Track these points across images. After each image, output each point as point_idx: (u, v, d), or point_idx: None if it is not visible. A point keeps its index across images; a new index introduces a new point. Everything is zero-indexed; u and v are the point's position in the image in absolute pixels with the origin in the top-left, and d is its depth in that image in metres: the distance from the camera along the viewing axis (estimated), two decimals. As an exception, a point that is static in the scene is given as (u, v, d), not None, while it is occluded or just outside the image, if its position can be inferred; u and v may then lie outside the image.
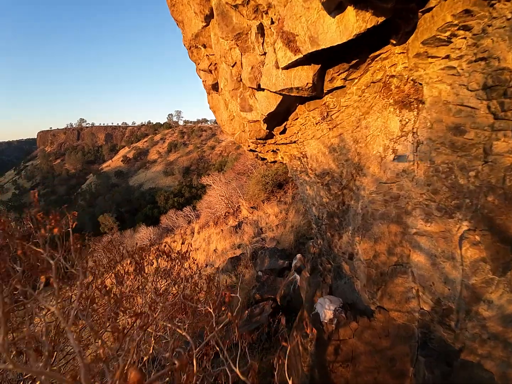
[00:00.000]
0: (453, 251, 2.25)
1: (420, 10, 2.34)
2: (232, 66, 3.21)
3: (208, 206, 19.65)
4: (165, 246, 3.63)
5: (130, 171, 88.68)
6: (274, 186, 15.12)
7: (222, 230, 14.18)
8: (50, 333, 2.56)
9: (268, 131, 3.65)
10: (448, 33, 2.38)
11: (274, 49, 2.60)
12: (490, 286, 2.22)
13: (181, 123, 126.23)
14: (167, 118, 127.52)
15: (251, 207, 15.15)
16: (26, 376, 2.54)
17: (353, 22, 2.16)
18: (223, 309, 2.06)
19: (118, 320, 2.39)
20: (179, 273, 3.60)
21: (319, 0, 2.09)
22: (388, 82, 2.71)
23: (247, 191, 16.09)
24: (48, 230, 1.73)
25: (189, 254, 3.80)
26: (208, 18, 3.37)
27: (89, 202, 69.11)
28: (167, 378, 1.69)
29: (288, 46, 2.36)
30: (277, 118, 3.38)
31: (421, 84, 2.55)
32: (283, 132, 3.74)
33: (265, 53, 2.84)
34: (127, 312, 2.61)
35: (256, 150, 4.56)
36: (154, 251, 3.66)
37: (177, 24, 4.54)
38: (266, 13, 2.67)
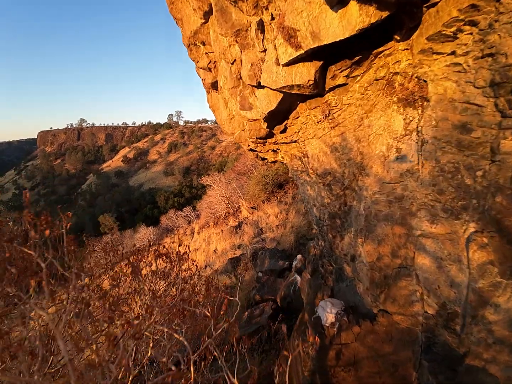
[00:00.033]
0: (460, 254, 2.18)
1: (425, 5, 2.28)
2: (232, 64, 3.14)
3: (208, 206, 19.58)
4: (164, 247, 3.57)
5: (130, 171, 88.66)
6: (274, 186, 15.05)
7: (222, 230, 14.11)
8: (46, 336, 2.49)
9: (268, 130, 3.58)
10: (453, 29, 2.32)
11: (275, 46, 2.53)
12: (497, 290, 2.15)
13: (181, 123, 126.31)
14: (167, 118, 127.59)
15: (251, 208, 15.08)
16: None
17: (356, 17, 2.09)
18: (221, 313, 1.99)
19: (113, 325, 2.32)
20: (177, 274, 3.53)
21: (321, -6, 2.03)
22: (391, 79, 2.64)
23: (247, 191, 16.02)
24: (39, 231, 1.67)
25: (188, 255, 3.73)
26: (207, 14, 3.30)
27: (89, 202, 69.09)
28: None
29: (289, 42, 2.29)
30: (277, 117, 3.31)
31: (425, 81, 2.48)
32: (284, 131, 3.67)
33: (265, 50, 2.77)
34: (123, 315, 2.55)
35: (256, 149, 4.49)
36: (152, 252, 3.60)
37: (176, 22, 4.48)
38: (266, 8, 2.60)
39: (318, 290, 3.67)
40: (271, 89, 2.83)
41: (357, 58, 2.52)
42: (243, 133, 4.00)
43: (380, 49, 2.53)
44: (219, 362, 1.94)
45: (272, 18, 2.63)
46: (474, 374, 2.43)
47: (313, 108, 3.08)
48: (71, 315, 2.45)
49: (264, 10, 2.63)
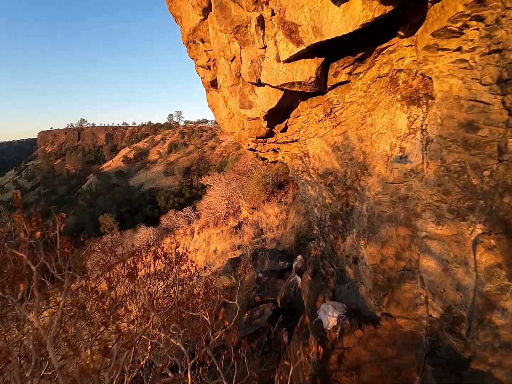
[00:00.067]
0: (466, 256, 2.11)
1: (430, 0, 2.21)
2: (231, 61, 3.07)
3: (208, 206, 19.52)
4: (162, 248, 3.51)
5: (130, 171, 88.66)
6: (275, 187, 14.99)
7: (222, 230, 14.05)
8: (39, 341, 2.43)
9: (268, 129, 3.51)
10: (459, 24, 2.25)
11: (275, 42, 2.46)
12: (505, 293, 2.09)
13: (181, 123, 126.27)
14: (167, 118, 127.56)
15: (251, 208, 15.03)
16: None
17: (360, 11, 2.02)
18: (220, 317, 1.92)
19: (108, 330, 2.26)
20: (176, 275, 3.47)
21: (323, -13, 1.96)
22: (395, 76, 2.57)
23: (247, 191, 15.97)
24: (30, 233, 1.60)
25: (186, 257, 3.66)
26: (206, 11, 3.23)
27: (90, 202, 69.11)
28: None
29: (290, 37, 2.22)
30: (278, 115, 3.24)
31: (430, 78, 2.42)
32: (284, 130, 3.60)
33: (265, 47, 2.70)
34: (119, 318, 2.48)
35: (256, 149, 4.43)
36: (151, 253, 3.54)
37: (175, 20, 4.42)
38: (267, 4, 2.53)
39: (319, 292, 3.60)
40: (272, 86, 2.76)
41: (360, 54, 2.45)
42: (243, 132, 3.93)
43: (384, 45, 2.46)
44: (217, 369, 1.88)
45: (273, 14, 2.56)
46: (479, 378, 2.40)
47: (315, 106, 3.01)
48: (66, 320, 2.39)
49: (264, 5, 2.56)
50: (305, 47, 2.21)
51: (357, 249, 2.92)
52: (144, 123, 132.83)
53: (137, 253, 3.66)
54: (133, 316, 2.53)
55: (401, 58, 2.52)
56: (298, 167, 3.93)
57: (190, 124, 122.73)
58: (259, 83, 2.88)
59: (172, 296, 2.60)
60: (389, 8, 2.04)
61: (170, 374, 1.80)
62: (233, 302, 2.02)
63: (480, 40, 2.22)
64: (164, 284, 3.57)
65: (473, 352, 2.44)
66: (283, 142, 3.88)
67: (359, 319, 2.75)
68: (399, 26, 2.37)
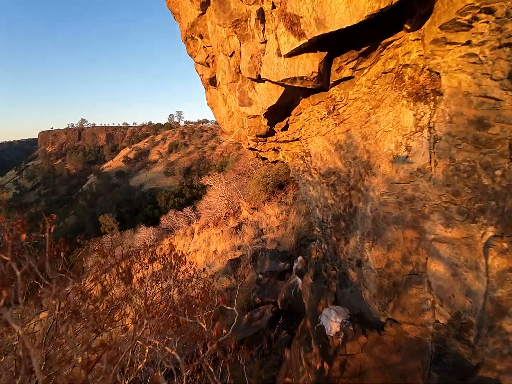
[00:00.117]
0: (477, 260, 2.00)
1: (438, -10, 2.11)
2: (230, 56, 2.97)
3: (209, 206, 19.44)
4: (161, 249, 3.42)
5: (131, 172, 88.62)
6: (275, 187, 14.91)
7: (222, 231, 13.96)
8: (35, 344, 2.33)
9: (269, 127, 3.40)
10: (469, 16, 2.16)
11: (276, 35, 2.36)
12: (517, 299, 1.98)
13: (182, 123, 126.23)
14: (168, 118, 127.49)
15: (252, 208, 14.94)
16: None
17: (365, 2, 1.92)
18: (217, 325, 1.82)
19: (100, 335, 2.16)
20: (174, 278, 3.37)
21: (326, -24, 1.86)
22: (401, 72, 2.47)
23: (248, 191, 15.89)
24: (14, 236, 1.51)
25: (184, 258, 3.57)
26: (205, 5, 3.13)
27: (90, 202, 69.09)
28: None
29: (292, 30, 2.11)
30: (278, 113, 3.13)
31: (438, 73, 2.31)
32: (285, 128, 3.49)
33: (265, 41, 2.60)
34: (112, 324, 2.38)
35: (256, 148, 4.32)
36: (149, 255, 3.44)
37: (174, 17, 4.33)
38: (267, -4, 2.43)
39: (321, 296, 3.50)
40: (272, 82, 2.65)
41: (364, 48, 2.35)
42: (243, 130, 3.83)
43: (389, 39, 2.36)
44: (214, 378, 1.79)
45: (273, 7, 2.46)
46: (487, 385, 2.31)
47: (317, 104, 2.91)
48: (57, 325, 2.29)
49: (264, -2, 2.47)
50: (307, 40, 2.11)
51: (361, 252, 2.82)
52: (144, 123, 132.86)
53: (133, 255, 3.56)
54: (130, 319, 2.43)
55: (407, 52, 2.42)
56: (299, 167, 3.83)
57: (190, 124, 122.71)
58: (259, 79, 2.78)
59: (168, 300, 2.50)
60: (395, -1, 1.94)
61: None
62: (232, 308, 1.92)
63: (490, 33, 2.13)
64: (161, 286, 3.47)
65: (481, 359, 2.37)
66: (284, 141, 3.77)
67: (363, 324, 2.64)
68: (405, 18, 2.27)
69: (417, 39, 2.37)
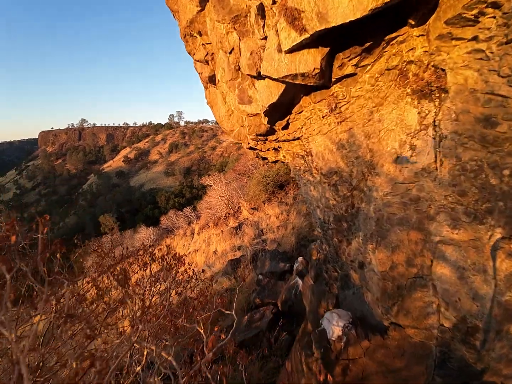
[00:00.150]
0: (485, 263, 1.93)
1: (444, -16, 2.04)
2: (230, 53, 2.90)
3: (209, 206, 19.37)
4: (160, 249, 3.36)
5: (131, 172, 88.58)
6: (275, 187, 14.84)
7: (222, 231, 13.89)
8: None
9: (269, 126, 3.33)
10: (475, 11, 2.09)
11: (276, 31, 2.29)
12: (526, 303, 1.92)
13: (182, 123, 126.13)
14: (168, 118, 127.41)
15: (252, 208, 14.87)
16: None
17: (369, -5, 1.85)
18: (216, 329, 1.76)
19: (95, 340, 2.09)
20: (170, 282, 3.31)
21: (329, -32, 1.79)
22: (405, 69, 2.40)
23: (248, 191, 15.82)
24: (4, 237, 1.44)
25: (183, 259, 3.51)
26: (204, 1, 3.07)
27: (90, 202, 69.06)
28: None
29: (293, 25, 2.05)
30: (279, 111, 3.06)
31: (444, 70, 2.24)
32: (286, 127, 3.42)
33: (266, 37, 2.53)
34: (108, 328, 2.32)
35: (256, 148, 4.25)
36: (148, 256, 3.39)
37: (173, 15, 4.26)
38: (267, -10, 2.37)
39: (322, 298, 3.42)
40: (272, 79, 2.58)
41: (367, 44, 2.28)
42: (243, 129, 3.76)
43: (393, 35, 2.29)
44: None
45: (274, 2, 2.39)
46: (492, 390, 2.25)
47: (318, 102, 2.84)
48: (52, 329, 2.23)
49: (264, -8, 2.40)
50: (309, 35, 2.04)
51: (363, 254, 2.74)
52: (144, 123, 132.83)
53: (132, 256, 3.50)
54: (127, 321, 2.37)
55: (412, 48, 2.35)
56: (300, 167, 3.76)
57: (190, 124, 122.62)
58: (259, 76, 2.71)
59: (165, 303, 2.44)
60: (401, -8, 1.87)
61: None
62: (231, 313, 1.85)
63: (497, 28, 2.07)
64: (159, 288, 3.42)
65: (486, 364, 2.31)
66: (285, 140, 3.70)
67: (365, 328, 2.57)
68: (410, 13, 2.20)
69: (422, 35, 2.30)
